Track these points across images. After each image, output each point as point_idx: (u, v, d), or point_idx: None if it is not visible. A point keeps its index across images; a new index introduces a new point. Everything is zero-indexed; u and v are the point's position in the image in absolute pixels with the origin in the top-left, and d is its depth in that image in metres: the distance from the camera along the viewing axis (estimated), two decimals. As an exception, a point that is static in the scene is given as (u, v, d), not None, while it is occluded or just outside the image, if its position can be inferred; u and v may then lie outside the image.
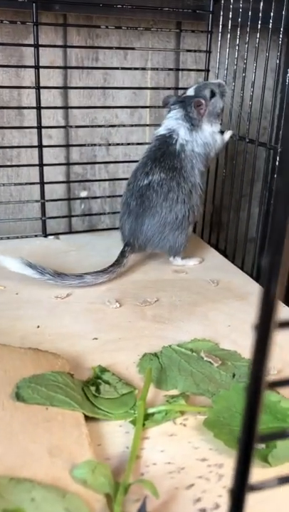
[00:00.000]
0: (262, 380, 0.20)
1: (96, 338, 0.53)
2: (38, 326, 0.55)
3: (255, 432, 0.20)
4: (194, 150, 0.71)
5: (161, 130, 0.73)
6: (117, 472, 0.35)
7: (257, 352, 0.19)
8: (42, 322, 0.56)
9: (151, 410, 0.41)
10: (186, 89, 0.77)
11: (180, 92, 0.81)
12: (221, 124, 0.76)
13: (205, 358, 0.48)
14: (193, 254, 0.78)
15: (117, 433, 0.40)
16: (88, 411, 0.40)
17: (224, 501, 0.33)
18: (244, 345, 0.53)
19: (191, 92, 0.74)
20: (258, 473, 0.22)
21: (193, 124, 0.71)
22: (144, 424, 0.40)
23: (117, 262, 0.68)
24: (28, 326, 0.55)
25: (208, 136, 0.72)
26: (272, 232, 0.17)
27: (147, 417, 0.41)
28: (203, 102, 0.71)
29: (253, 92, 0.74)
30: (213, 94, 0.72)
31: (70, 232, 0.89)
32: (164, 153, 0.71)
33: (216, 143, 0.73)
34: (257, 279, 0.71)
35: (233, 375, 0.47)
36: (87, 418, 0.39)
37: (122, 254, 0.69)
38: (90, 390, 0.43)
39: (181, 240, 0.71)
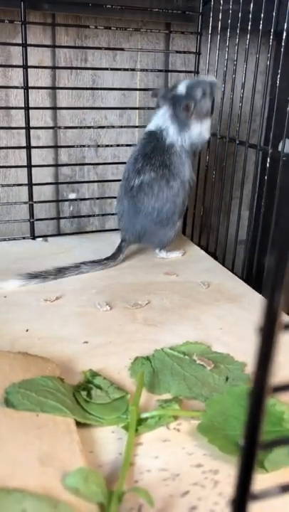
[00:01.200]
0: (264, 390, 0.19)
1: (86, 342, 0.52)
2: (27, 330, 0.54)
3: (258, 441, 0.19)
4: (183, 146, 0.72)
5: (151, 126, 0.73)
6: (110, 480, 0.34)
7: (260, 362, 0.19)
8: (31, 326, 0.55)
9: (144, 415, 0.40)
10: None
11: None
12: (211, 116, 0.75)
13: (198, 362, 0.48)
14: (177, 248, 0.80)
15: (109, 439, 0.39)
16: (79, 417, 0.39)
17: (220, 508, 0.32)
18: (236, 348, 0.52)
19: (182, 89, 0.71)
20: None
21: (182, 125, 0.71)
22: (137, 430, 0.39)
23: (113, 257, 0.72)
24: (16, 330, 0.53)
25: (196, 136, 0.73)
26: (277, 238, 0.16)
27: (140, 422, 0.40)
28: (192, 105, 0.70)
29: (243, 94, 0.74)
30: (204, 95, 0.72)
31: (59, 234, 0.88)
32: (154, 148, 0.71)
33: (204, 139, 0.74)
34: (247, 281, 0.70)
35: (226, 379, 0.46)
36: (78, 424, 0.38)
37: (119, 249, 0.73)
38: (81, 395, 0.42)
39: (170, 235, 0.75)
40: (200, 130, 0.73)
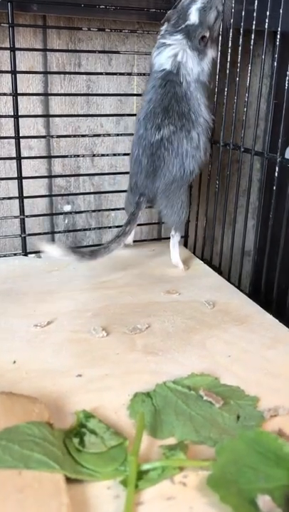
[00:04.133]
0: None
1: (80, 375, 0.46)
2: (15, 362, 0.48)
3: None
4: (200, 80, 0.67)
5: (165, 63, 0.67)
6: None
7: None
8: (19, 356, 0.49)
9: (145, 467, 0.35)
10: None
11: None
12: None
13: (205, 398, 0.42)
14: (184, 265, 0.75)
15: (105, 497, 0.33)
16: (70, 471, 0.33)
17: None
18: (247, 379, 0.47)
19: (194, 16, 0.65)
20: None
21: (200, 53, 0.67)
22: (137, 486, 0.34)
23: (133, 216, 0.69)
24: (2, 362, 0.48)
25: (210, 64, 0.69)
26: None
27: (141, 475, 0.35)
28: (207, 36, 0.66)
29: (248, 98, 0.69)
30: (217, 16, 0.67)
31: (53, 249, 0.82)
32: (172, 98, 0.67)
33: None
34: (254, 297, 0.65)
35: (238, 417, 0.41)
36: (68, 479, 0.33)
37: (138, 206, 0.69)
38: (73, 443, 0.36)
39: (184, 213, 0.72)
40: (214, 55, 0.70)
